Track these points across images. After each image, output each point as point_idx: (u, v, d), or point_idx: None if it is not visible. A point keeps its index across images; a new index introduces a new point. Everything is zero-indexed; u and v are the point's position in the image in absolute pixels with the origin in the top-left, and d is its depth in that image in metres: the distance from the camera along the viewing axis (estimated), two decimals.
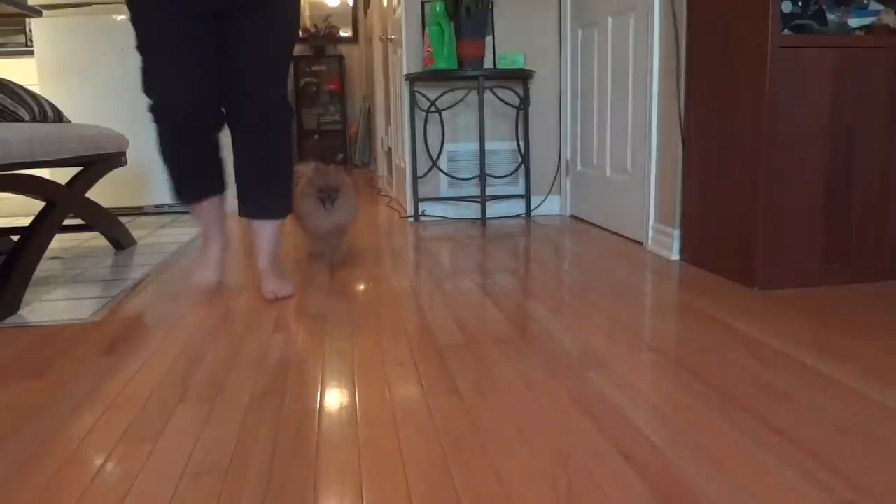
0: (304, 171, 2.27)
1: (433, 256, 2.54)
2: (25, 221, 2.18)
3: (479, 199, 3.26)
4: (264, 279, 2.00)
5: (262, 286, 1.99)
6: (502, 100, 3.35)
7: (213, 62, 1.84)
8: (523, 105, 3.34)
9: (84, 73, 3.75)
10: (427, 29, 3.16)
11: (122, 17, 3.73)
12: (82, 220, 2.63)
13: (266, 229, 2.01)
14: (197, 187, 1.99)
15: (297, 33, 1.95)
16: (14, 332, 1.72)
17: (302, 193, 2.20)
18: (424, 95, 3.33)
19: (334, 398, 1.26)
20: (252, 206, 1.99)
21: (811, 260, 1.97)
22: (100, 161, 2.53)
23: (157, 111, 1.85)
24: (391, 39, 3.98)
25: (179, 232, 3.24)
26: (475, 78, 3.14)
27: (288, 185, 2.04)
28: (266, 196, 1.99)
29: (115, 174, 3.50)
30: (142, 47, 1.80)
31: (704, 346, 1.48)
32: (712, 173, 2.14)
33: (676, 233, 2.37)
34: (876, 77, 1.93)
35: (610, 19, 2.88)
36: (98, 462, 1.04)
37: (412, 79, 3.26)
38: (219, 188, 2.02)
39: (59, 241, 3.01)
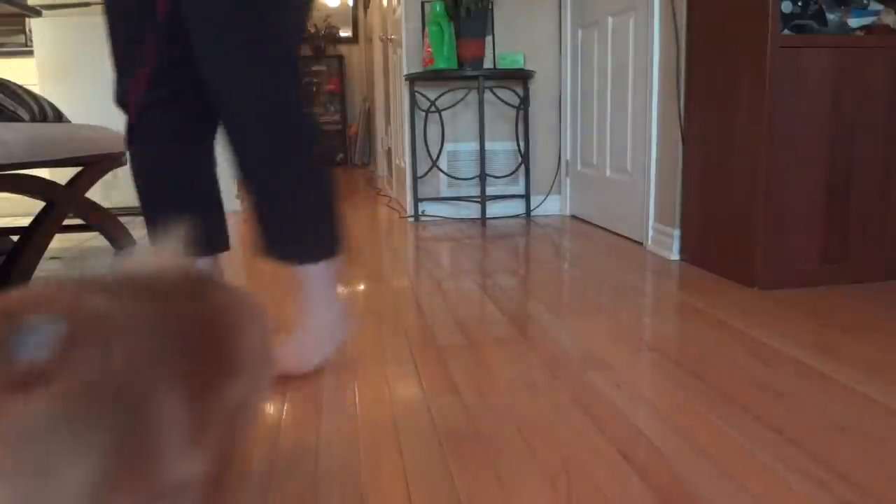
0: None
1: (433, 256, 2.54)
2: (25, 221, 2.18)
3: (479, 199, 3.26)
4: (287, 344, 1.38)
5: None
6: (502, 100, 3.35)
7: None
8: (523, 105, 3.34)
9: (84, 73, 3.74)
10: (427, 29, 3.16)
11: None
12: (82, 220, 2.63)
13: (299, 277, 1.37)
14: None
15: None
16: None
17: None
18: (424, 95, 3.33)
19: (334, 398, 1.26)
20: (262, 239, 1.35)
21: (811, 260, 1.97)
22: (100, 161, 2.52)
23: None
24: (391, 39, 3.98)
25: None
26: (475, 78, 3.14)
27: (302, 211, 1.31)
28: (271, 225, 1.33)
29: (116, 174, 3.50)
30: None
31: (704, 346, 1.48)
32: (712, 173, 2.14)
33: (676, 233, 2.37)
34: (876, 77, 1.93)
35: (610, 19, 2.88)
36: None
37: (412, 79, 3.26)
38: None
39: (59, 241, 3.01)
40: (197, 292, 0.65)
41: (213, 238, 1.39)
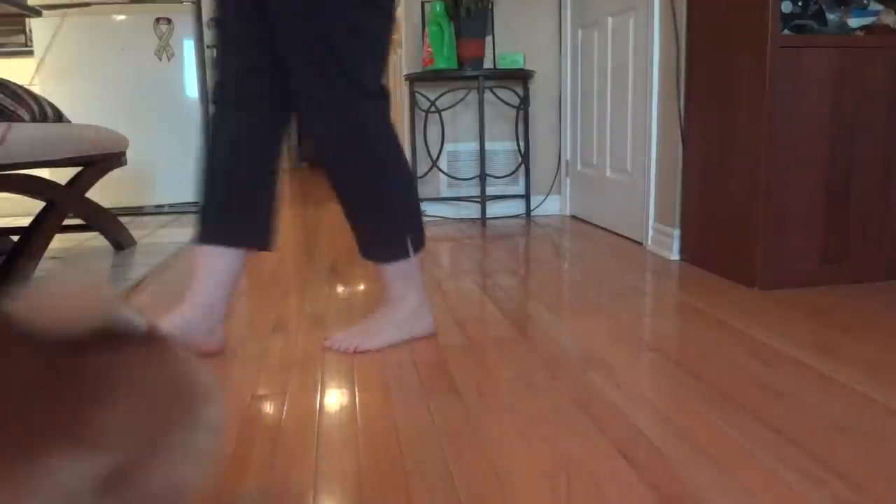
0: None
1: (433, 256, 2.54)
2: (25, 221, 2.18)
3: (479, 199, 3.26)
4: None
5: None
6: (502, 100, 3.35)
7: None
8: (523, 105, 3.34)
9: (84, 73, 3.75)
10: (427, 29, 3.16)
11: (122, 17, 3.73)
12: (82, 220, 2.63)
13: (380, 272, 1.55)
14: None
15: None
16: None
17: None
18: (424, 95, 3.33)
19: (334, 398, 1.26)
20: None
21: (811, 260, 1.97)
22: (100, 161, 2.53)
23: None
24: None
25: (179, 232, 3.24)
26: (475, 78, 3.14)
27: (373, 222, 1.49)
28: (353, 231, 1.53)
29: (115, 174, 3.50)
30: None
31: (704, 346, 1.48)
32: (712, 173, 2.14)
33: (676, 233, 2.37)
34: (876, 77, 1.93)
35: (610, 19, 2.88)
36: None
37: (412, 79, 3.26)
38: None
39: (59, 241, 3.01)
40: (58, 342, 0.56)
41: (256, 234, 1.50)
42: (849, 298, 1.84)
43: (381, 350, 1.52)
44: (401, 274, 1.52)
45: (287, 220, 3.58)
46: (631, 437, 1.08)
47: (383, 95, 1.42)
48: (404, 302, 1.55)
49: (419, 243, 1.52)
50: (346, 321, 1.74)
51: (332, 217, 3.62)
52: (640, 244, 2.64)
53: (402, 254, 1.49)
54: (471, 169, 3.45)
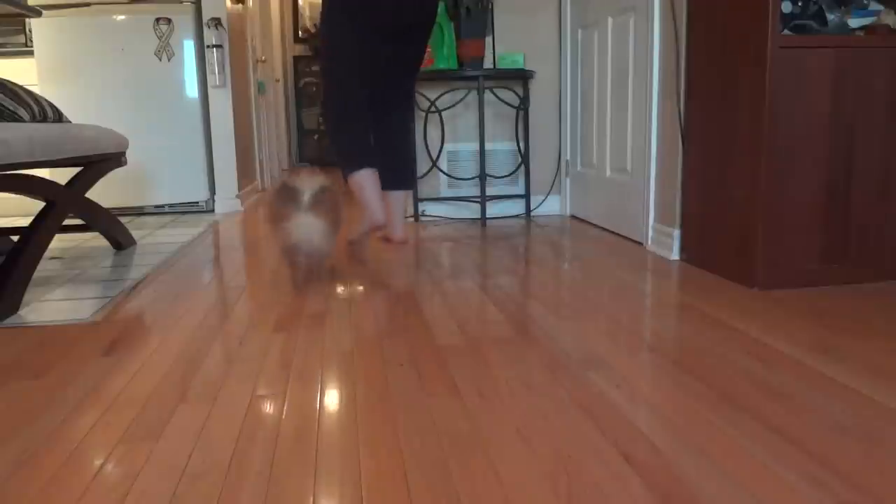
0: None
1: (433, 256, 2.54)
2: (25, 221, 2.18)
3: (479, 199, 3.26)
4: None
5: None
6: (502, 100, 3.35)
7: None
8: (523, 105, 3.34)
9: (84, 73, 3.75)
10: None
11: (122, 17, 3.73)
12: (82, 220, 2.63)
13: None
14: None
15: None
16: (14, 332, 1.73)
17: None
18: (424, 95, 3.33)
19: (334, 398, 1.26)
20: None
21: (811, 260, 1.97)
22: (100, 161, 2.52)
23: None
24: None
25: (179, 232, 3.24)
26: (475, 78, 3.14)
27: None
28: None
29: (115, 174, 3.50)
30: None
31: (704, 346, 1.48)
32: (712, 173, 2.14)
33: (676, 233, 2.37)
34: (876, 77, 1.93)
35: (610, 19, 2.88)
36: (98, 462, 1.04)
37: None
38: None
39: (59, 241, 3.01)
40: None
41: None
42: (849, 298, 1.84)
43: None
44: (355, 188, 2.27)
45: None
46: (631, 437, 1.08)
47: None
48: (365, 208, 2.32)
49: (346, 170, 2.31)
50: (346, 321, 1.74)
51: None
52: (640, 244, 2.64)
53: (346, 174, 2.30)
54: (471, 169, 3.45)
